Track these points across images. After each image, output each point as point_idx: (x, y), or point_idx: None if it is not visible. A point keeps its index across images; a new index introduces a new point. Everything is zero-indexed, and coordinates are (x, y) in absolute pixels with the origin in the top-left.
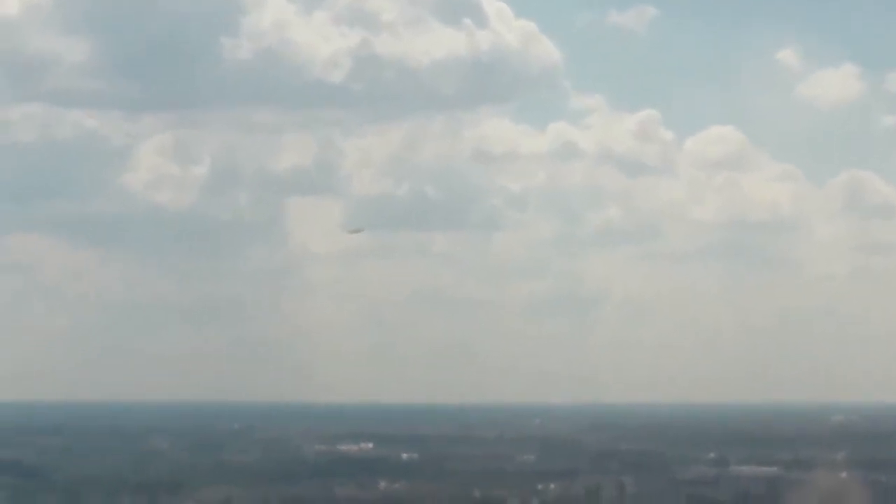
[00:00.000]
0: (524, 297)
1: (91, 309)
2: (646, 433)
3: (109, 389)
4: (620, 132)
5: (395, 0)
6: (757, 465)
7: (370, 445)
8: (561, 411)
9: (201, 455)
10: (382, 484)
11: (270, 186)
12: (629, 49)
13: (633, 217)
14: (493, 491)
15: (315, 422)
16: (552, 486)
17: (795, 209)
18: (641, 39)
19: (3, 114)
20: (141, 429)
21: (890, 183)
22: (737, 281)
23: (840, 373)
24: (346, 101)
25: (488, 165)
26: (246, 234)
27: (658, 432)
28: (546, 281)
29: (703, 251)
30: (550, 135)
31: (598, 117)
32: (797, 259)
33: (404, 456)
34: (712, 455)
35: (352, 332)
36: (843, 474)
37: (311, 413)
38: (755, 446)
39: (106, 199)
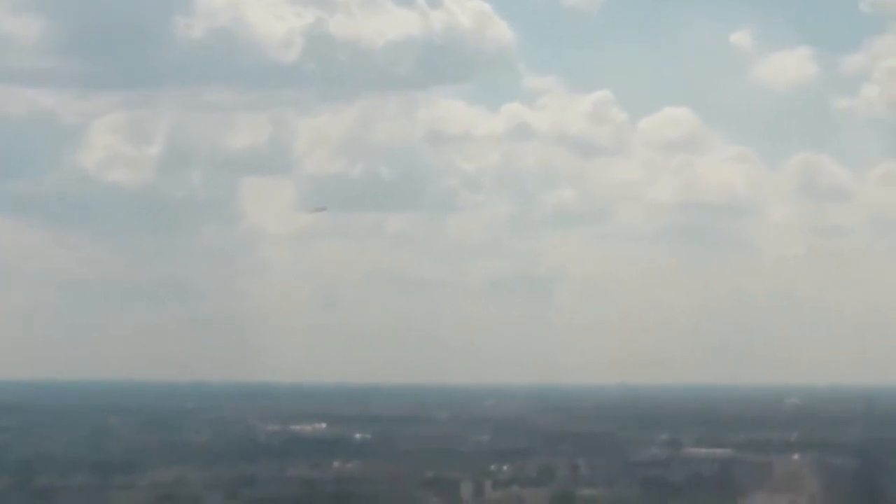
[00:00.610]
0: (479, 278)
1: (44, 288)
2: (599, 414)
3: (63, 368)
4: (574, 113)
5: None
6: (710, 446)
7: (323, 425)
8: (515, 392)
9: (154, 434)
10: (335, 464)
11: (224, 166)
12: (583, 30)
13: (587, 198)
14: (447, 471)
15: (268, 402)
16: (505, 466)
17: (750, 191)
18: (595, 20)
19: None
20: (94, 408)
21: (844, 165)
22: (691, 262)
23: (795, 355)
24: (300, 80)
25: (443, 146)
26: (200, 213)
27: (612, 413)
28: (501, 262)
29: (658, 232)
30: (504, 115)
31: (552, 98)
32: (752, 241)
33: (357, 436)
34: (665, 437)
35: (306, 311)
36: (796, 456)
37: (264, 393)
38: (708, 428)
39: (60, 178)
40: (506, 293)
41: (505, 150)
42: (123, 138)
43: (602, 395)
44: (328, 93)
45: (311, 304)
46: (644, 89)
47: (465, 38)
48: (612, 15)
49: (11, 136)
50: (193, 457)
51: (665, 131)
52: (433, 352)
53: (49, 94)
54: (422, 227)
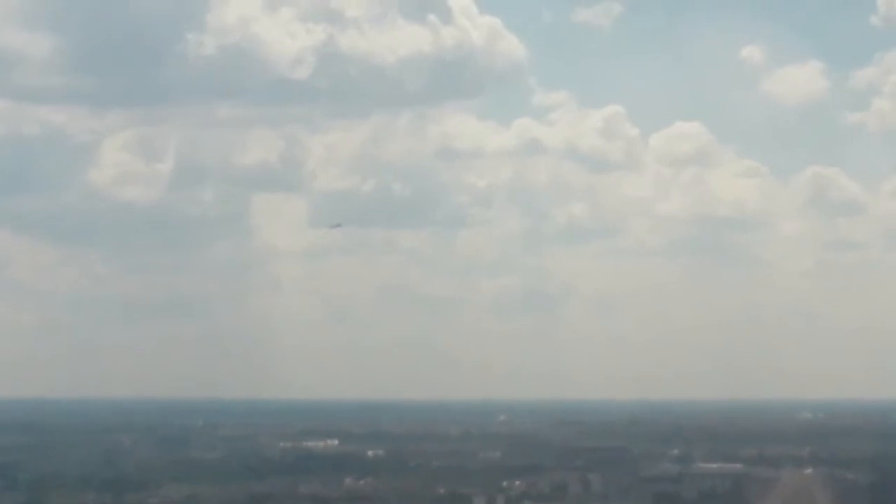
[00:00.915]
0: (490, 294)
1: (56, 305)
2: (611, 430)
3: (75, 386)
4: (586, 128)
5: None
6: (722, 461)
7: (335, 442)
8: (527, 408)
9: (166, 452)
10: (347, 481)
11: (236, 182)
12: (594, 45)
13: (598, 213)
14: (459, 488)
15: (280, 418)
16: (517, 482)
17: (761, 205)
18: (606, 35)
19: None
20: (106, 426)
21: (854, 179)
22: (703, 277)
23: (807, 369)
24: (311, 97)
25: (454, 162)
26: (212, 230)
27: (623, 429)
28: (512, 277)
29: (669, 247)
30: (516, 131)
31: (563, 113)
32: (763, 255)
33: (370, 453)
34: (677, 452)
35: (317, 328)
36: (809, 471)
37: (276, 410)
38: (720, 443)
39: (72, 195)
40: (517, 308)
41: (516, 166)
42: (135, 155)
43: (613, 411)
44: (339, 109)
45: (323, 320)
46: (655, 104)
47: (476, 54)
48: (622, 30)
49: (23, 153)
50: (205, 474)
51: (676, 146)
52: (444, 368)
53: (61, 112)
54: (433, 244)
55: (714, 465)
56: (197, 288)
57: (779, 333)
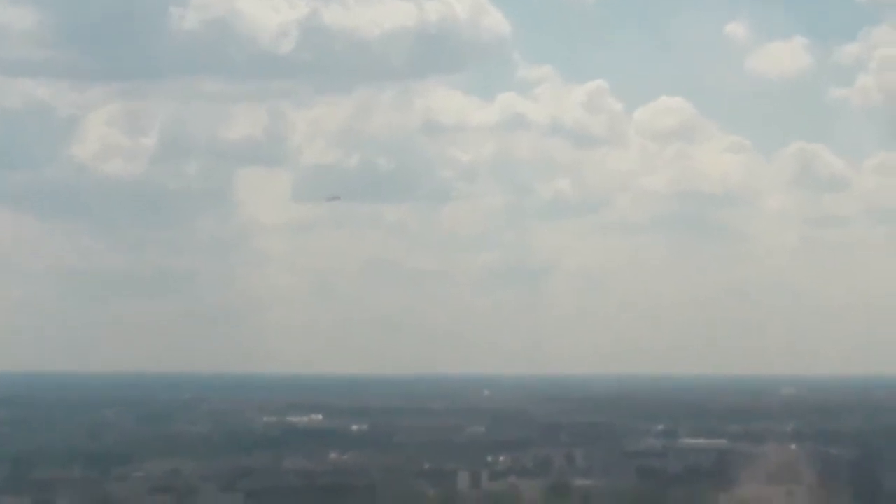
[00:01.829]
0: (475, 269)
1: (40, 280)
2: (595, 405)
3: (59, 360)
4: (570, 103)
5: None
6: (706, 437)
7: (320, 417)
8: (511, 382)
9: (151, 426)
10: (332, 455)
11: (220, 157)
12: (578, 20)
13: (583, 188)
14: (443, 462)
15: (265, 393)
16: (502, 457)
17: (746, 181)
18: (590, 10)
19: None
20: (91, 400)
21: (839, 155)
22: (687, 252)
23: (791, 345)
24: (296, 71)
25: (438, 136)
26: (196, 204)
27: (607, 404)
28: (497, 252)
29: (654, 222)
30: (500, 106)
31: (547, 88)
32: (747, 231)
33: (354, 427)
34: (661, 427)
35: (302, 302)
36: (793, 446)
37: (261, 384)
38: (704, 418)
39: (56, 169)
40: (501, 283)
41: (500, 141)
42: (119, 129)
43: (598, 386)
44: (324, 84)
45: (307, 294)
46: (639, 79)
47: (461, 29)
48: (606, 4)
49: (7, 127)
50: (190, 448)
51: (660, 121)
52: (429, 342)
53: (44, 86)
54: (417, 218)
55: (698, 441)
56: (182, 262)
57: (763, 309)
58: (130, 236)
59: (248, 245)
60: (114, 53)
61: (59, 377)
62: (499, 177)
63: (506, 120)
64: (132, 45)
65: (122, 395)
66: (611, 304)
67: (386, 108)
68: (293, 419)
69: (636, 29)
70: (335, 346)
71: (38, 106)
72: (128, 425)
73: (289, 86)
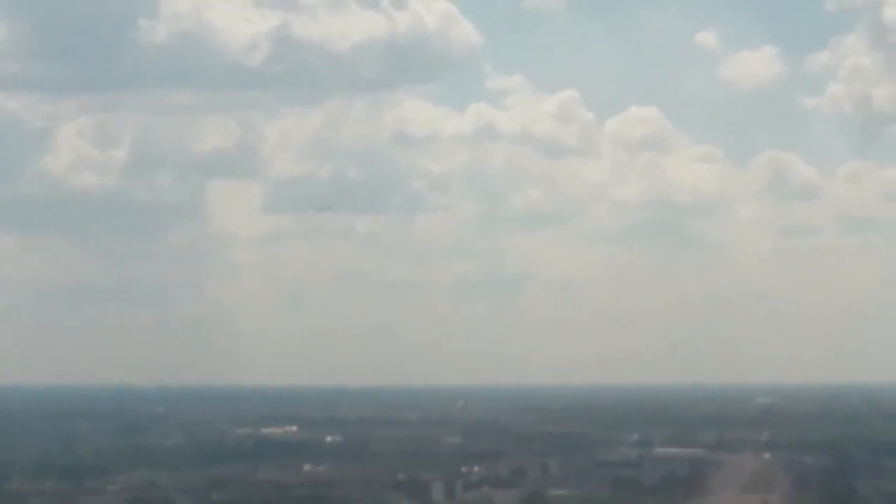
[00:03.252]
0: (448, 279)
1: (13, 292)
2: (570, 415)
3: (33, 373)
4: (541, 113)
5: None
6: (680, 446)
7: (294, 428)
8: (485, 393)
9: (124, 439)
10: (306, 467)
11: (191, 169)
12: (548, 30)
13: (555, 198)
14: (418, 473)
15: (238, 405)
16: (476, 468)
17: (718, 190)
18: (560, 20)
19: None
20: (64, 412)
21: (811, 164)
22: (660, 262)
23: (764, 354)
24: (266, 83)
25: (410, 147)
26: (167, 216)
27: (582, 414)
28: (469, 263)
29: (626, 232)
30: (471, 116)
31: (518, 98)
32: (720, 240)
33: (328, 439)
34: (635, 437)
35: (275, 314)
36: (767, 455)
37: (234, 396)
38: (679, 428)
39: (27, 182)
40: (474, 294)
41: (472, 151)
42: (90, 142)
43: (572, 396)
44: (295, 95)
45: (280, 306)
46: (610, 89)
47: (431, 39)
48: (576, 14)
49: None
50: (164, 460)
51: (632, 131)
52: (402, 353)
53: (14, 98)
54: (389, 229)
55: (673, 450)
56: (154, 274)
57: (736, 318)
58: (102, 249)
59: (220, 257)
60: (84, 66)
61: (32, 389)
62: (471, 187)
63: (477, 130)
64: (103, 57)
65: (95, 407)
66: (584, 314)
67: (357, 119)
68: (267, 431)
69: (607, 39)
70: (309, 357)
71: (9, 119)
72: (102, 437)
73: (259, 97)
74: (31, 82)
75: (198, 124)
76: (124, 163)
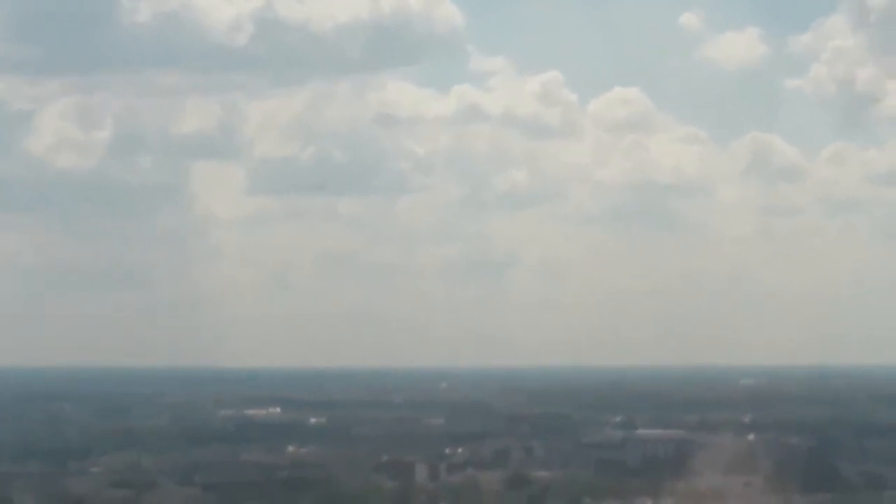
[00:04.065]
0: (432, 261)
1: None
2: (554, 396)
3: (16, 355)
4: (524, 94)
5: None
6: (664, 427)
7: (278, 410)
8: (469, 375)
9: (109, 421)
10: (290, 448)
11: (175, 150)
12: (531, 10)
13: (539, 179)
14: (401, 455)
15: (223, 387)
16: (460, 449)
17: (701, 171)
18: (543, 0)
19: None
20: (48, 395)
21: (794, 145)
22: (644, 243)
23: (748, 336)
24: (249, 64)
25: (393, 129)
26: (151, 198)
27: (566, 395)
28: (453, 244)
29: (610, 213)
30: (454, 97)
31: (501, 79)
32: (704, 221)
33: (312, 420)
34: (619, 418)
35: (259, 296)
36: (751, 436)
37: (218, 378)
38: (662, 409)
39: (10, 163)
40: (459, 275)
41: (456, 133)
42: (73, 123)
43: (556, 377)
44: (278, 76)
45: (265, 288)
46: (593, 70)
47: (414, 20)
48: None
49: None
50: (148, 442)
51: (615, 112)
52: (387, 335)
53: None
54: (374, 211)
55: (657, 432)
56: (138, 256)
57: (719, 299)
58: (85, 230)
59: (204, 239)
60: (67, 47)
61: (15, 371)
62: (455, 169)
63: (461, 112)
64: (85, 38)
65: (80, 390)
66: (568, 295)
67: (341, 100)
68: (251, 412)
69: (590, 19)
70: (293, 339)
71: None
72: (86, 420)
73: (243, 79)
74: (14, 64)
75: (181, 106)
76: (107, 144)
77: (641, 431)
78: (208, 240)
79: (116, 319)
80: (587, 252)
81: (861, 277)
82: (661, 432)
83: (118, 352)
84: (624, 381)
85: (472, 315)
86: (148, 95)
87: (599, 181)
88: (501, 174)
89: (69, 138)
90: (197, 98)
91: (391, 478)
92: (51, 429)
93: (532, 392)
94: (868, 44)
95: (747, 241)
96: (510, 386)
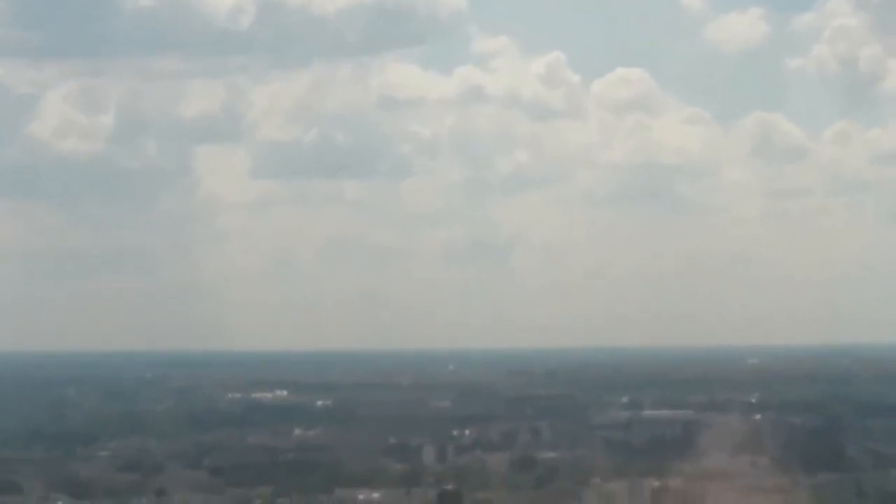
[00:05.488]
0: (437, 243)
1: (1, 259)
2: (560, 378)
3: (21, 340)
4: (527, 75)
5: None
6: (670, 408)
7: (284, 393)
8: (475, 357)
9: (114, 405)
10: (297, 431)
11: (178, 134)
12: None
13: (542, 161)
14: (409, 437)
15: (229, 370)
16: (467, 431)
17: (705, 152)
18: None
19: None
20: (54, 379)
21: (798, 125)
22: (648, 224)
23: (753, 316)
24: (252, 47)
25: (396, 111)
26: (155, 182)
27: (572, 377)
28: (458, 226)
29: (614, 195)
30: (458, 79)
31: (504, 61)
32: (707, 202)
33: (319, 403)
34: (625, 399)
35: (264, 279)
36: (757, 416)
37: (224, 361)
38: (668, 390)
39: (13, 148)
40: (464, 258)
41: (459, 114)
42: (76, 108)
43: (562, 359)
44: (281, 60)
45: (270, 271)
46: (597, 50)
47: (417, 3)
48: None
49: None
50: (154, 426)
51: (619, 93)
52: (393, 318)
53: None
54: (378, 194)
55: (663, 412)
56: (142, 240)
57: (725, 280)
58: (89, 215)
59: (208, 223)
60: (70, 31)
61: (20, 356)
62: (459, 151)
63: (464, 93)
64: (88, 22)
65: (85, 374)
66: (573, 276)
67: (344, 83)
68: (257, 396)
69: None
70: (298, 322)
71: None
72: (92, 404)
73: (245, 62)
74: (17, 48)
75: (184, 89)
76: (111, 128)
77: (648, 412)
78: (213, 223)
79: (121, 304)
80: (591, 233)
81: (866, 257)
82: (668, 413)
83: (124, 336)
84: (630, 363)
85: (478, 297)
86: (151, 79)
87: (603, 162)
88: (505, 156)
89: (72, 122)
90: (200, 82)
91: (398, 460)
92: (57, 414)
93: (538, 374)
94: (871, 23)
95: (752, 221)
96: (517, 368)
